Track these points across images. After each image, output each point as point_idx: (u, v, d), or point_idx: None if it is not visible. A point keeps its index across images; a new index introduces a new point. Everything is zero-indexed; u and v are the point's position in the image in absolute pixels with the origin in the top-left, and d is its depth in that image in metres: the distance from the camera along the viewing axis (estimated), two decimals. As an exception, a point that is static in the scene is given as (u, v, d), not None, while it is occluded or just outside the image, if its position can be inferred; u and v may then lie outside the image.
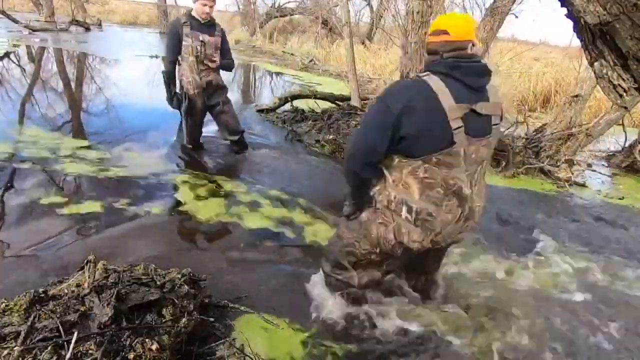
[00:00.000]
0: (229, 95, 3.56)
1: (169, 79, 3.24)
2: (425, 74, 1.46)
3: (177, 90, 3.31)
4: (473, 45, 1.47)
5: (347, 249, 1.71)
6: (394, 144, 1.46)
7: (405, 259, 1.76)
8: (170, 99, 3.33)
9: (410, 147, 1.45)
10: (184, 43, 3.12)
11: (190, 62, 3.17)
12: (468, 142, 1.43)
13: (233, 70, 3.57)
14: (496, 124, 1.53)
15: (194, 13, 3.14)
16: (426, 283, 1.96)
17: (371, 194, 1.65)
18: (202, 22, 3.15)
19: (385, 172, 1.57)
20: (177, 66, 3.27)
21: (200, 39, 3.13)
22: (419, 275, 1.94)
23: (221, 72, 3.46)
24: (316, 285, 1.93)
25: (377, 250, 1.64)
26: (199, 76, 3.23)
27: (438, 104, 1.38)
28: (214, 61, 3.23)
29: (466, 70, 1.43)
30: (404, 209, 1.53)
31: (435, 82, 1.41)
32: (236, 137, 3.56)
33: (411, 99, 1.40)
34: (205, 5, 3.08)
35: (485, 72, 1.49)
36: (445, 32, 1.47)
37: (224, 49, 3.33)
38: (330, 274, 1.81)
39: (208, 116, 3.55)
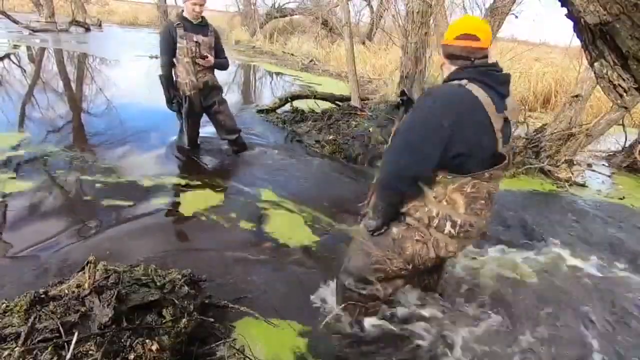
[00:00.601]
0: (230, 95, 3.57)
1: (167, 81, 3.24)
2: (464, 81, 1.41)
3: (176, 93, 3.30)
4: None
5: (376, 266, 1.62)
6: (444, 161, 1.40)
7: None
8: (169, 102, 3.32)
9: (463, 164, 1.41)
10: (178, 45, 3.12)
11: (185, 63, 3.17)
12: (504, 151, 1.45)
13: (228, 69, 3.56)
14: (511, 130, 1.55)
15: (185, 14, 3.14)
16: (437, 280, 1.96)
17: (403, 210, 1.58)
18: (195, 22, 3.15)
19: (425, 188, 1.50)
20: (173, 68, 3.26)
21: (195, 39, 3.13)
22: (432, 275, 1.92)
23: (218, 71, 3.46)
24: (325, 296, 1.88)
25: (410, 267, 1.60)
26: (195, 77, 3.23)
27: (485, 114, 1.36)
28: (208, 60, 3.21)
29: (497, 78, 1.42)
30: (448, 224, 1.49)
31: (478, 91, 1.37)
32: (233, 137, 3.56)
33: (461, 110, 1.36)
34: (195, 4, 3.06)
35: (508, 80, 1.48)
36: (476, 38, 1.42)
37: (217, 49, 3.34)
38: (353, 289, 1.69)
39: (205, 117, 3.55)
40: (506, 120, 1.44)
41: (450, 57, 1.48)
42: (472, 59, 1.43)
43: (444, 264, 1.96)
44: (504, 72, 1.49)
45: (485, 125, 1.37)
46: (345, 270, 1.72)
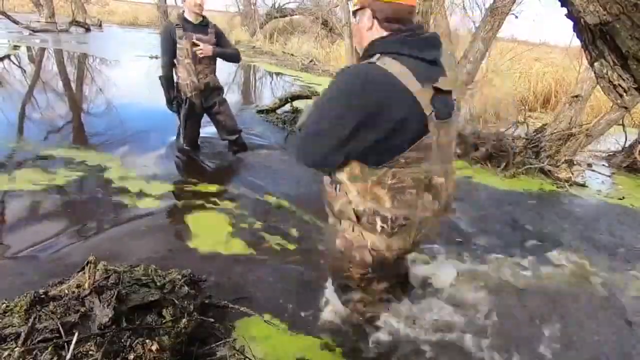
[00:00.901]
0: (230, 95, 3.57)
1: (167, 82, 3.23)
2: (374, 57, 1.21)
3: (176, 94, 3.30)
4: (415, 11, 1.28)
5: (345, 274, 1.59)
6: (357, 153, 1.28)
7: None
8: (169, 102, 3.32)
9: (383, 152, 1.26)
10: (178, 46, 3.11)
11: (186, 64, 3.16)
12: (438, 127, 1.25)
13: (239, 61, 3.51)
14: (455, 99, 1.34)
15: (186, 15, 3.13)
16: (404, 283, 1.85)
17: (333, 206, 1.47)
18: (195, 22, 3.13)
19: (346, 182, 1.38)
20: (174, 69, 3.26)
21: (194, 39, 3.12)
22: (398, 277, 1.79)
23: (221, 70, 3.44)
24: (326, 297, 1.87)
25: (370, 270, 1.52)
26: (196, 78, 3.23)
27: (401, 89, 1.17)
28: (203, 49, 3.11)
29: (418, 43, 1.22)
30: (378, 219, 1.36)
31: (391, 65, 1.18)
32: (234, 137, 3.56)
33: (368, 94, 1.17)
34: (195, 5, 3.04)
35: (435, 42, 1.28)
36: None
37: (223, 43, 3.32)
38: (341, 294, 1.73)
39: (206, 117, 3.55)
40: (440, 91, 1.23)
41: (389, 20, 1.25)
42: (404, 25, 1.24)
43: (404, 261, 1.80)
44: (428, 33, 1.28)
45: (403, 103, 1.17)
46: (331, 279, 1.76)
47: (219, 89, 3.44)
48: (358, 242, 1.45)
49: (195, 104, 3.31)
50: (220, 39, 3.29)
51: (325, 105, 1.27)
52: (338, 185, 1.43)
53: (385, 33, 1.27)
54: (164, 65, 3.20)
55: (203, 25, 3.19)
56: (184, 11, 3.17)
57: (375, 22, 1.27)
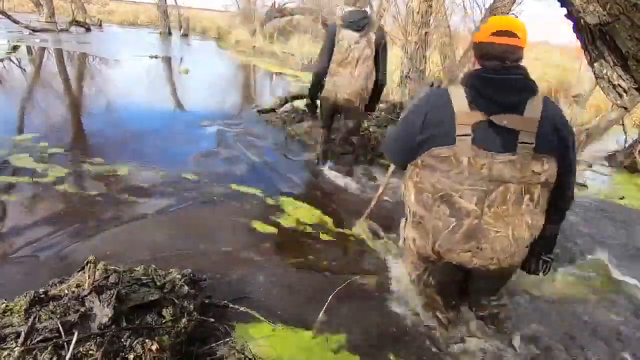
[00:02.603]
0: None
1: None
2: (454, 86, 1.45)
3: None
4: None
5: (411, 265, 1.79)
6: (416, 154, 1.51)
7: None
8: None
9: (415, 152, 1.50)
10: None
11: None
12: (475, 152, 1.35)
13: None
14: (527, 143, 1.34)
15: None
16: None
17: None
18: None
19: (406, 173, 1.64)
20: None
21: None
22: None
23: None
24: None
25: (415, 256, 1.67)
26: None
27: (449, 108, 1.37)
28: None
29: (495, 83, 1.37)
30: (408, 210, 1.60)
31: (456, 90, 1.40)
32: None
33: (428, 110, 1.43)
34: None
35: (513, 85, 1.37)
36: (513, 34, 1.36)
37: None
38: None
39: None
40: (491, 123, 1.33)
41: (483, 57, 1.40)
42: (507, 62, 1.36)
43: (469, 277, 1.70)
44: (515, 76, 1.37)
45: (442, 113, 1.38)
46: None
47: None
48: (403, 228, 1.69)
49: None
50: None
51: (403, 114, 1.63)
52: None
53: (478, 67, 1.44)
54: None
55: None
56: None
57: (475, 58, 1.47)
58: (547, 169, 1.37)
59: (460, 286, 1.74)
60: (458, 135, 1.34)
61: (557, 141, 1.36)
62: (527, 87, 1.37)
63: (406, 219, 1.66)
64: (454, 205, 1.41)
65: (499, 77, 1.36)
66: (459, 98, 1.36)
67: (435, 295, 1.76)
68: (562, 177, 1.41)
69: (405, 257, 1.84)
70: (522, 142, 1.33)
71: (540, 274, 1.59)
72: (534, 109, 1.34)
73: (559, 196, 1.46)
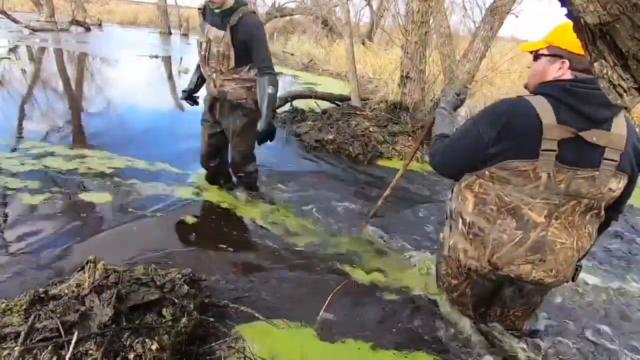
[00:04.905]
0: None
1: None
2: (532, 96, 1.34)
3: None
4: None
5: (442, 272, 1.75)
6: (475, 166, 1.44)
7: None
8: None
9: (482, 162, 1.42)
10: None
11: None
12: (557, 168, 1.29)
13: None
14: (613, 160, 1.29)
15: None
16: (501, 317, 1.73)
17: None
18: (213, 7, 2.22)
19: (455, 183, 1.58)
20: None
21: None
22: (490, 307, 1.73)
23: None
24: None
25: (456, 269, 1.63)
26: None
27: (534, 120, 1.27)
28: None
29: (584, 96, 1.26)
30: (460, 221, 1.53)
31: (541, 101, 1.29)
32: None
33: (507, 120, 1.31)
34: None
35: (605, 101, 1.36)
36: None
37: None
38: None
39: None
40: (578, 137, 1.25)
41: (585, 70, 1.28)
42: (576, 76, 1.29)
43: (512, 308, 1.66)
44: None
45: (527, 125, 1.27)
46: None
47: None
48: (447, 237, 1.62)
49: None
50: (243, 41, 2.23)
51: (469, 124, 1.47)
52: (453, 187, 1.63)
53: (567, 77, 1.31)
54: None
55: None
56: None
57: (568, 70, 1.31)
58: (621, 186, 1.36)
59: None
60: (543, 150, 1.27)
61: (635, 159, 1.34)
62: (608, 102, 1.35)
63: (450, 228, 1.60)
64: (523, 218, 1.37)
65: (592, 90, 1.25)
66: (545, 111, 1.26)
67: (469, 304, 1.71)
68: (624, 191, 1.40)
69: (441, 264, 1.74)
70: (608, 159, 1.29)
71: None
72: (620, 125, 1.30)
73: (615, 209, 1.48)
